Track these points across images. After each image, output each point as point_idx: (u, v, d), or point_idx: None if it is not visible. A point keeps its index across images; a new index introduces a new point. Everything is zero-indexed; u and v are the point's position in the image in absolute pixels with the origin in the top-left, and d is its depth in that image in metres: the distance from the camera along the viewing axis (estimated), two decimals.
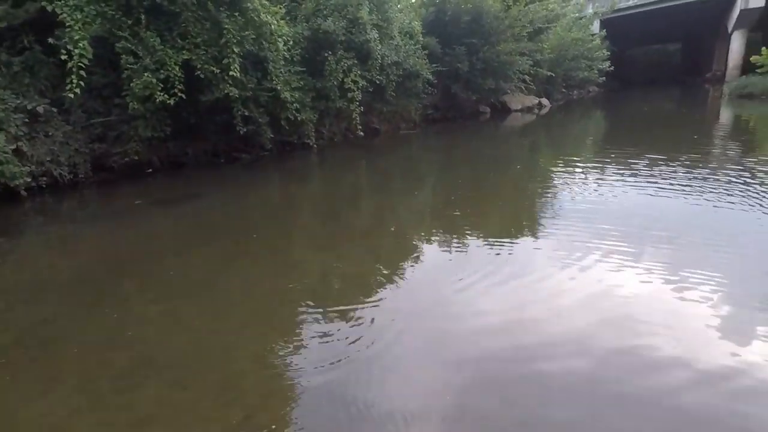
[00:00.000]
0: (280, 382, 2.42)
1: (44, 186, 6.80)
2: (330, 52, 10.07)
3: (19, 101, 6.48)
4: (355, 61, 10.53)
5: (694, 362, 2.34)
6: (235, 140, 9.18)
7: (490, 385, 2.28)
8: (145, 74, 7.01)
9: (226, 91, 7.86)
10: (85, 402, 2.34)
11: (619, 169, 6.98)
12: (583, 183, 6.22)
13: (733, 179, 5.76)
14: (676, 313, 2.81)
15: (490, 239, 4.29)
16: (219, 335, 2.87)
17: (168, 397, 2.33)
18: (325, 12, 10.21)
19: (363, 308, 3.07)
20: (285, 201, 6.88)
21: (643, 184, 5.88)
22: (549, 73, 19.68)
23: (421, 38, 13.28)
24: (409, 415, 2.08)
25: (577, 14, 24.37)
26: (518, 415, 2.08)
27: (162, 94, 7.14)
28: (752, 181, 5.61)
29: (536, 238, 4.25)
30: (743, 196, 5.02)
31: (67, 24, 6.43)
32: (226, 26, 7.63)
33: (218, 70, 7.73)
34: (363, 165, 9.59)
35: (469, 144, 11.65)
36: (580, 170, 7.14)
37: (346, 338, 2.72)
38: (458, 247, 4.20)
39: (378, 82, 11.32)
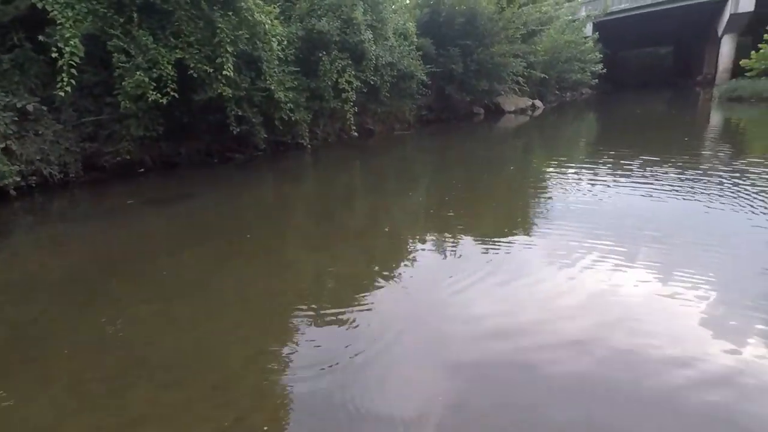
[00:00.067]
0: (274, 384, 2.39)
1: (34, 185, 6.72)
2: (324, 53, 10.05)
3: (8, 99, 6.40)
4: (350, 62, 10.52)
5: (691, 362, 2.35)
6: (229, 140, 9.13)
7: (488, 386, 2.28)
8: (138, 73, 6.95)
9: (219, 91, 7.82)
10: (75, 404, 2.30)
11: (611, 170, 7.03)
12: (577, 184, 6.25)
13: (724, 180, 5.82)
14: (672, 313, 2.83)
15: (484, 240, 4.29)
16: (212, 336, 2.84)
17: (160, 398, 2.30)
18: (319, 12, 10.19)
19: (357, 310, 3.05)
20: (279, 201, 6.85)
21: (635, 185, 5.92)
22: (542, 75, 19.81)
23: (415, 39, 13.31)
24: (405, 417, 2.06)
25: (570, 17, 24.55)
26: (517, 415, 2.08)
27: (154, 93, 7.09)
28: (742, 182, 5.67)
29: (530, 238, 4.26)
30: (734, 197, 5.06)
31: (58, 21, 6.36)
32: (220, 25, 7.59)
33: (211, 70, 7.68)
34: (357, 165, 9.58)
35: (463, 145, 11.67)
36: (574, 171, 7.18)
37: (341, 340, 2.70)
38: (452, 247, 4.19)
39: (372, 82, 11.31)
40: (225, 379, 2.42)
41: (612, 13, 28.97)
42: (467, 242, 4.29)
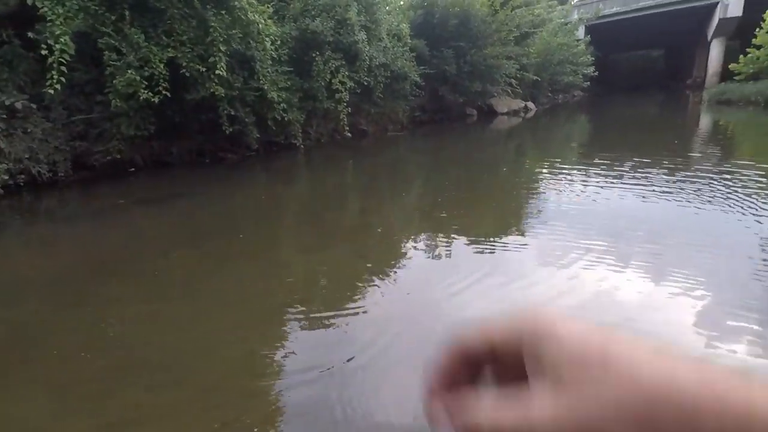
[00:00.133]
0: (264, 387, 2.36)
1: (22, 184, 6.62)
2: (318, 53, 10.02)
3: None
4: (343, 62, 10.50)
5: None
6: (221, 140, 9.07)
7: None
8: (129, 71, 6.88)
9: (212, 90, 7.76)
10: (63, 406, 2.26)
11: (604, 172, 7.06)
12: (570, 185, 6.28)
13: (714, 182, 5.87)
14: (666, 313, 2.84)
15: (478, 241, 4.29)
16: (203, 338, 2.80)
17: (149, 400, 2.26)
18: (313, 12, 10.16)
19: (351, 312, 3.03)
20: (271, 202, 6.80)
21: (627, 187, 5.95)
22: (535, 77, 19.94)
23: (409, 40, 13.33)
24: (400, 421, 2.04)
25: (562, 20, 24.76)
26: None
27: (146, 91, 7.01)
28: (732, 184, 5.72)
29: (524, 239, 4.26)
30: (724, 199, 5.11)
31: (48, 18, 6.27)
32: (213, 24, 7.54)
33: (204, 69, 7.63)
34: (350, 166, 9.55)
35: (456, 146, 11.69)
36: (566, 173, 7.21)
37: (335, 342, 2.68)
38: (446, 249, 4.19)
39: (366, 83, 11.30)
40: (215, 381, 2.39)
41: (604, 16, 29.24)
42: (461, 243, 4.28)
